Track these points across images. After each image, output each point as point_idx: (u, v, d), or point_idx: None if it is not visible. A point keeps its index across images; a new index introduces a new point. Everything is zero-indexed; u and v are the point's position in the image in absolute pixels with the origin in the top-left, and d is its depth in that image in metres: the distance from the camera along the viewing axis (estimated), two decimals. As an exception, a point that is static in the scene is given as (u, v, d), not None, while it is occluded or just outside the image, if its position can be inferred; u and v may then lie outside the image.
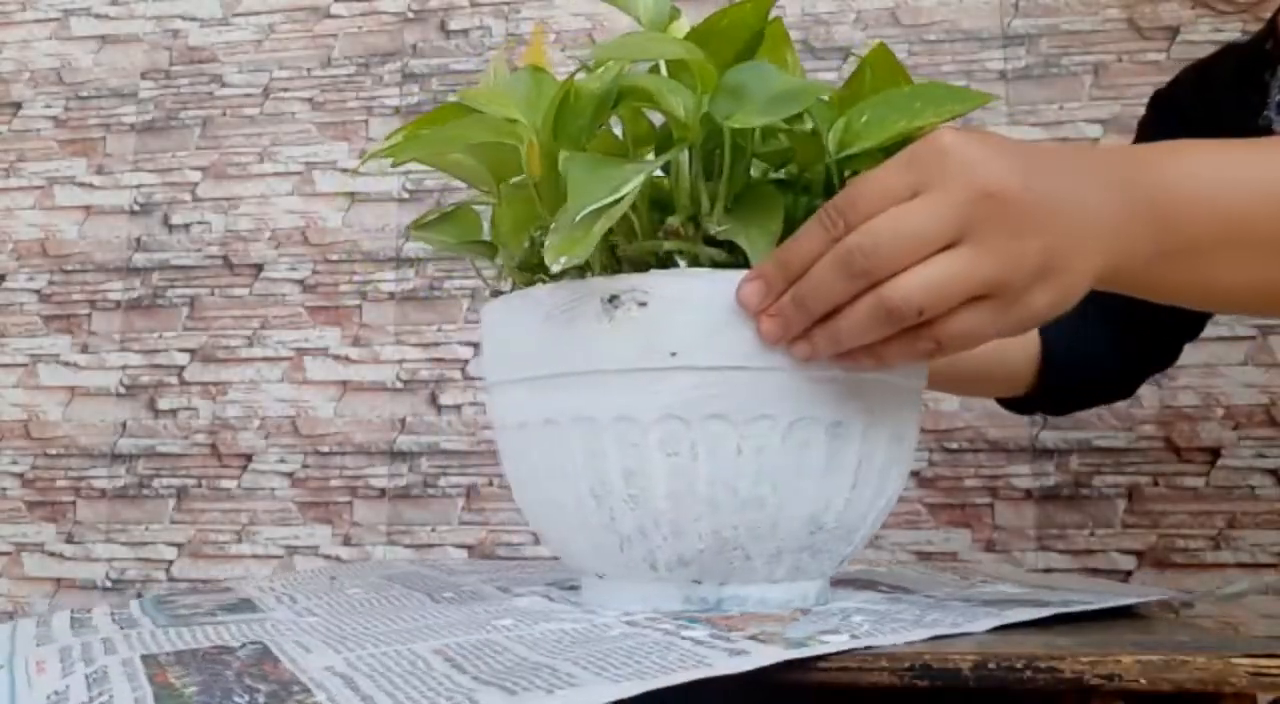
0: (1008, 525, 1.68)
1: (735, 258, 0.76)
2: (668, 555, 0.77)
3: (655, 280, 0.74)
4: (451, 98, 1.81)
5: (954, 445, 1.70)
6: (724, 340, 0.74)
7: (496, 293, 0.85)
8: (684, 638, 0.65)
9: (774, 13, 0.79)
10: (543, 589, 0.94)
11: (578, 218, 0.68)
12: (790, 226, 0.73)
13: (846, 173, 0.77)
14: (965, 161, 0.67)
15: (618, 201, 0.69)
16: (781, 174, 0.84)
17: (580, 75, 0.79)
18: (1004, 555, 1.67)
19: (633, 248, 0.78)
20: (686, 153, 0.77)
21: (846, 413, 0.76)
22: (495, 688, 0.53)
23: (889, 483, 0.82)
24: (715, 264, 0.76)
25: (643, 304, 0.73)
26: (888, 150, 0.73)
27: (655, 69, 0.80)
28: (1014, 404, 1.38)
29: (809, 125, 0.78)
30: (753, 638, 0.65)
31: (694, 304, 0.74)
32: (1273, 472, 1.62)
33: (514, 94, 0.78)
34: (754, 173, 0.82)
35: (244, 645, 0.67)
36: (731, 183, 0.77)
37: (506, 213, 0.82)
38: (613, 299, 0.74)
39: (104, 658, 0.64)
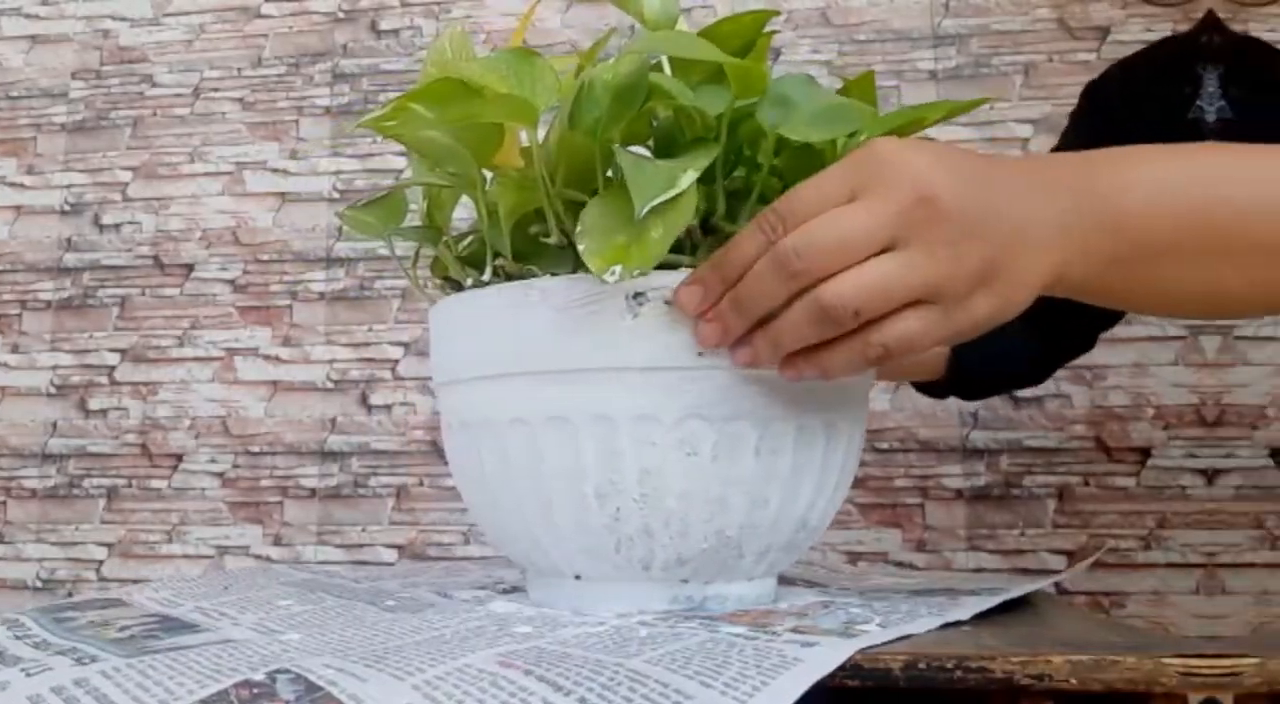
0: (938, 525, 1.62)
1: None
2: (667, 555, 0.75)
3: (682, 279, 0.72)
4: (385, 97, 1.78)
5: (884, 445, 1.64)
6: (748, 342, 0.74)
7: (487, 282, 0.81)
8: (733, 635, 0.65)
9: (703, 13, 0.76)
10: (484, 593, 0.89)
11: (641, 213, 0.67)
12: None
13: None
14: (902, 167, 0.66)
15: (677, 197, 0.68)
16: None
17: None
18: (934, 555, 1.61)
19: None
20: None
21: (836, 415, 0.78)
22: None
23: (850, 481, 0.84)
24: None
25: (670, 302, 0.72)
26: None
27: (657, 68, 0.78)
28: (927, 388, 1.34)
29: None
30: (794, 631, 0.66)
31: None
32: (1203, 471, 1.55)
33: (506, 74, 0.74)
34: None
35: (272, 679, 0.57)
36: (747, 189, 0.77)
37: (502, 196, 0.77)
38: (638, 296, 0.72)
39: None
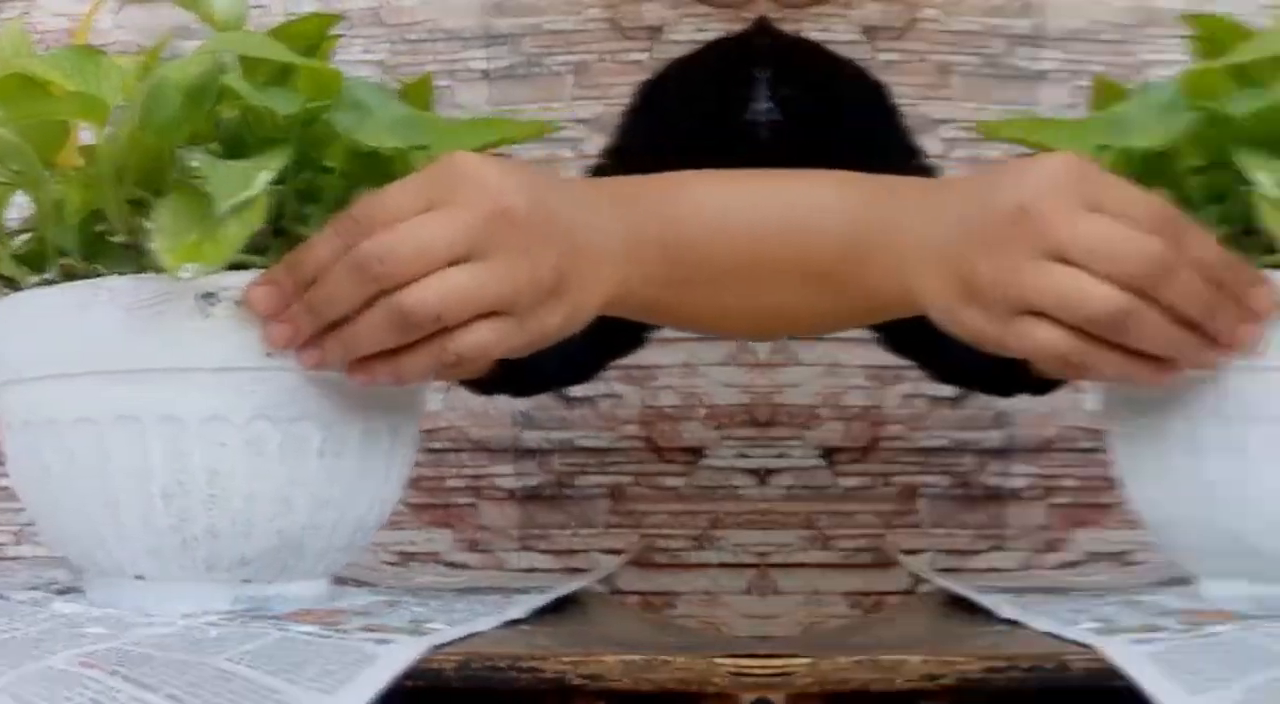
0: (491, 525, 1.59)
1: None
2: (231, 556, 0.74)
3: (253, 279, 0.72)
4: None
5: (437, 445, 1.60)
6: (312, 344, 0.75)
7: (52, 281, 0.78)
8: (306, 634, 0.65)
9: (257, 12, 0.77)
10: (39, 594, 0.86)
11: (222, 212, 0.67)
12: None
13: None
14: (479, 180, 0.69)
15: (254, 197, 0.68)
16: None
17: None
18: (487, 555, 1.59)
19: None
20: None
21: (399, 417, 0.79)
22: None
23: (405, 481, 0.85)
24: None
25: (240, 302, 0.71)
26: None
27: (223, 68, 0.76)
28: (473, 385, 1.30)
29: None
30: (365, 629, 0.67)
31: None
32: (754, 471, 1.54)
33: (71, 72, 0.73)
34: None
35: None
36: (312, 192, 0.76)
37: (69, 195, 0.75)
38: (209, 296, 0.71)
39: None
